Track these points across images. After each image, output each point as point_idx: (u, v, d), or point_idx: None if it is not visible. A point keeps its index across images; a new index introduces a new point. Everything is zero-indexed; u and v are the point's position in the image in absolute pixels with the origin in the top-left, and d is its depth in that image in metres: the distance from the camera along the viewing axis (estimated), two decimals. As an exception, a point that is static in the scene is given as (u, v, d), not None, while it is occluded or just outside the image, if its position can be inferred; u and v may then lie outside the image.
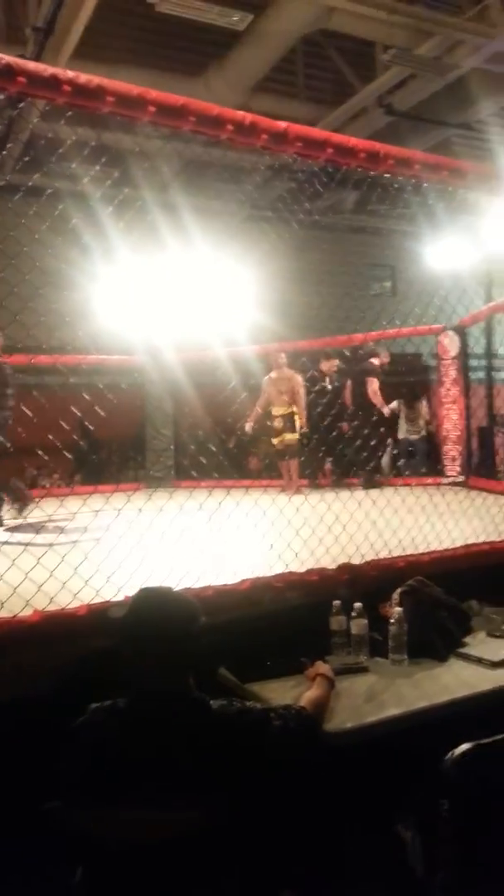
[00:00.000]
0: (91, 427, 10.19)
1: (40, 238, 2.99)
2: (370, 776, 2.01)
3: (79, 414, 4.18)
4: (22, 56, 2.81)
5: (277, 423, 7.03)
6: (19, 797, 1.82)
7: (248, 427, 7.32)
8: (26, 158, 9.02)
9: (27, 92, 2.34)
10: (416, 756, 2.04)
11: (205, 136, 2.63)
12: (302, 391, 7.04)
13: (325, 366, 7.38)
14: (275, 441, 7.15)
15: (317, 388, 7.16)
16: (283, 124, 2.65)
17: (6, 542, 3.23)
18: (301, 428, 6.99)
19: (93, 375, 5.80)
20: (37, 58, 7.51)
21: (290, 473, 6.95)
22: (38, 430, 4.52)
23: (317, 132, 2.74)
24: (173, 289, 7.25)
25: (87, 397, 3.75)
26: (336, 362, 7.46)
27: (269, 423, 7.16)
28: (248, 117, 2.59)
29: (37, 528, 4.28)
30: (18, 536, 4.23)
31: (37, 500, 5.02)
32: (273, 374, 7.21)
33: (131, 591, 1.93)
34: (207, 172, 11.06)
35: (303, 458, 7.10)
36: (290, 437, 6.99)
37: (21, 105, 8.39)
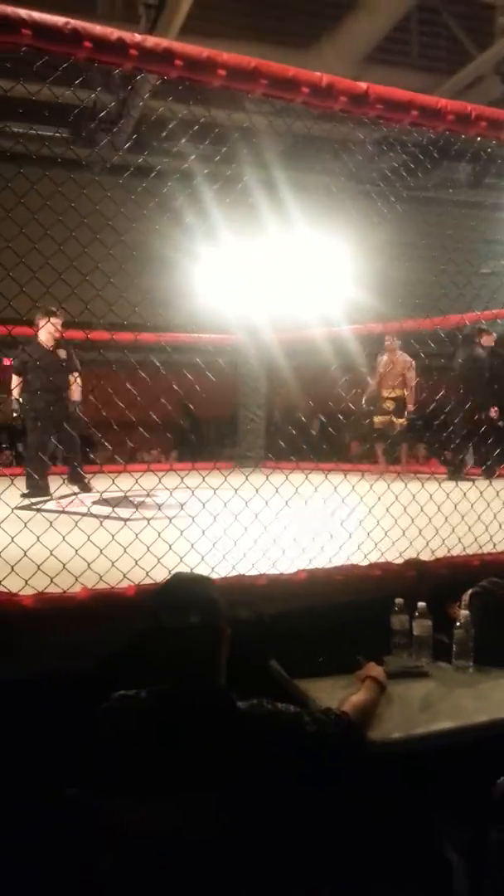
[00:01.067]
0: (191, 405, 10.34)
1: (146, 217, 2.98)
2: (415, 792, 1.87)
3: (181, 392, 4.18)
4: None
5: (388, 405, 6.90)
6: (55, 777, 1.81)
7: (364, 402, 7.16)
8: (134, 137, 9.21)
9: (140, 67, 2.31)
10: (468, 776, 1.88)
11: (277, 99, 2.49)
12: (413, 374, 6.84)
13: (486, 339, 7.06)
14: (377, 420, 7.04)
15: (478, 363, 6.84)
16: (363, 85, 2.47)
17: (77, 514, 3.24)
18: (409, 413, 6.83)
19: (190, 353, 5.82)
20: (149, 34, 7.56)
21: (401, 457, 6.82)
22: (139, 407, 4.58)
23: (400, 93, 2.53)
24: (273, 267, 7.15)
25: (189, 376, 3.72)
26: (494, 336, 7.13)
27: (379, 405, 7.02)
28: (324, 78, 2.42)
29: (112, 502, 4.33)
30: (93, 509, 4.27)
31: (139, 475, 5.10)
32: (385, 357, 7.04)
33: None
34: (312, 148, 10.82)
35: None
36: (399, 420, 6.86)
37: (134, 80, 8.51)
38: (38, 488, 5.07)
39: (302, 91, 2.44)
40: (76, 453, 5.47)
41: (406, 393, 6.95)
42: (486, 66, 8.75)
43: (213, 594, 1.71)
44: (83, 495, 4.52)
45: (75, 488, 5.24)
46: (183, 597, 1.68)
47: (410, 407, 6.89)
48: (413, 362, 6.96)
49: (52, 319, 5.24)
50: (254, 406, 7.87)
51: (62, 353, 5.29)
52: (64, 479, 5.10)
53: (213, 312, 7.11)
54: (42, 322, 5.22)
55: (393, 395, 7.00)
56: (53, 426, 4.81)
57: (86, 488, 5.22)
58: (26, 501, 4.69)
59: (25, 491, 5.02)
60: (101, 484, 4.84)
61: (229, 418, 9.03)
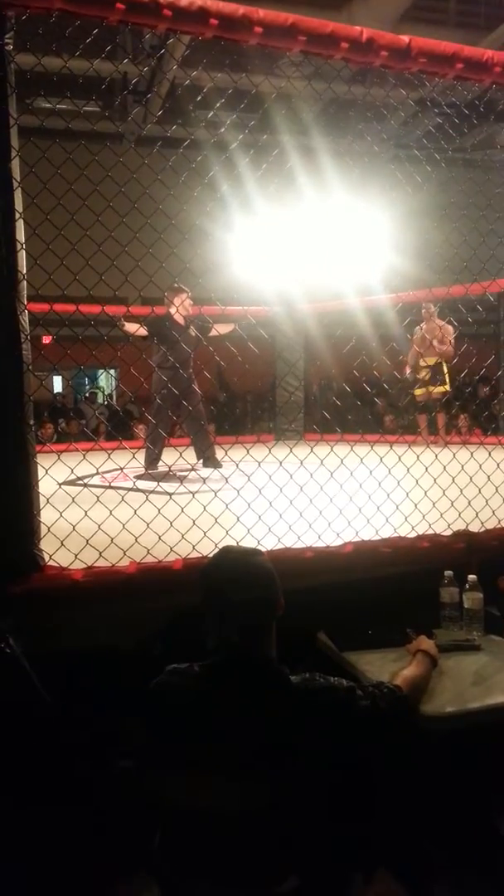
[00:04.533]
0: (227, 376, 10.30)
1: (183, 185, 2.94)
2: (469, 767, 1.83)
3: (222, 364, 4.15)
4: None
5: (424, 374, 6.77)
6: (105, 752, 1.82)
7: (408, 373, 7.04)
8: (165, 106, 9.09)
9: (175, 27, 2.25)
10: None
11: (317, 55, 2.39)
12: (450, 340, 6.69)
13: None
14: (417, 392, 6.92)
15: None
16: (405, 38, 2.36)
17: (124, 488, 3.25)
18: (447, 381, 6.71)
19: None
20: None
21: (437, 427, 6.70)
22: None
23: (444, 45, 2.42)
24: (310, 236, 7.01)
25: (231, 348, 3.67)
26: None
27: (416, 375, 6.90)
28: (364, 33, 2.32)
29: (159, 477, 4.33)
30: (141, 483, 4.29)
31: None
32: (423, 325, 6.91)
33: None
34: (349, 112, 10.56)
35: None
36: (438, 389, 6.72)
37: (163, 50, 8.33)
38: (151, 460, 5.14)
39: (341, 46, 2.35)
40: (202, 428, 5.47)
41: (443, 361, 6.80)
42: (526, 20, 8.41)
43: (268, 566, 1.69)
44: (128, 469, 4.52)
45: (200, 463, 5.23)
46: (240, 570, 1.65)
47: (449, 374, 6.75)
48: (451, 329, 6.79)
49: (181, 295, 5.23)
50: (292, 378, 7.79)
51: (192, 329, 5.30)
52: (134, 454, 5.13)
53: (250, 284, 7.01)
54: (174, 298, 5.21)
55: (429, 363, 6.86)
56: (181, 399, 4.81)
57: (214, 463, 5.19)
58: (142, 472, 4.83)
59: (145, 463, 5.13)
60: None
61: (267, 391, 8.97)
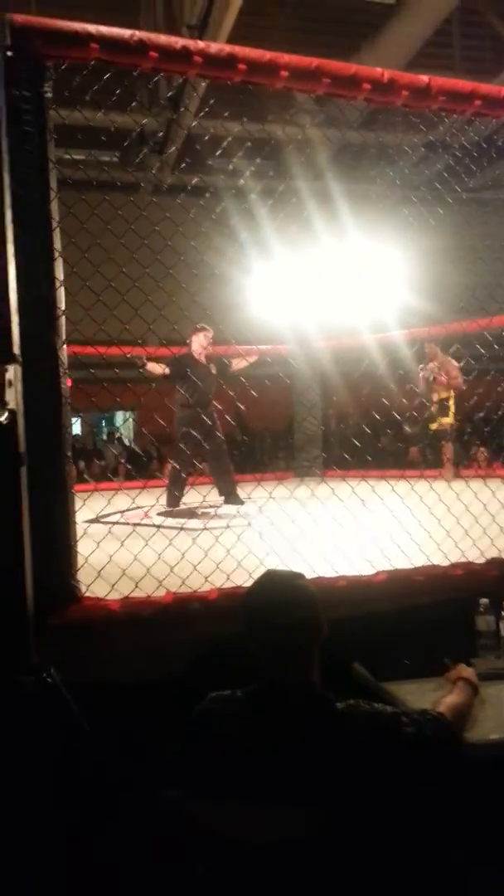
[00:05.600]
0: (245, 416, 10.36)
1: (202, 234, 3.03)
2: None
3: (241, 406, 4.20)
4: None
5: (434, 409, 6.88)
6: (145, 783, 1.80)
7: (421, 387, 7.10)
8: (185, 161, 9.36)
9: (205, 73, 2.35)
10: None
11: (342, 98, 2.49)
12: (456, 374, 6.78)
13: None
14: (432, 426, 7.01)
15: None
16: (424, 78, 2.45)
17: (153, 525, 3.27)
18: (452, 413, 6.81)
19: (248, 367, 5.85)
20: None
21: (445, 458, 6.75)
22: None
23: (462, 83, 2.51)
24: (325, 277, 7.14)
25: (249, 388, 3.73)
26: None
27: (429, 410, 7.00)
28: (386, 73, 2.41)
29: (188, 513, 4.35)
30: (169, 521, 4.30)
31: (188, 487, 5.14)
32: (432, 365, 7.02)
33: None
34: (361, 156, 10.82)
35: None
36: (445, 420, 6.82)
37: (181, 109, 8.62)
38: (173, 499, 5.16)
39: (363, 88, 2.44)
40: (225, 465, 5.50)
41: (451, 395, 6.95)
42: (532, 64, 8.62)
43: (312, 589, 1.69)
44: (148, 508, 4.55)
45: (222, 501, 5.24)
46: (285, 593, 1.66)
47: (453, 407, 6.87)
48: (457, 364, 6.89)
49: (205, 333, 5.34)
50: (309, 415, 7.84)
51: (212, 368, 5.37)
52: (158, 497, 5.15)
53: (268, 324, 7.13)
54: (195, 336, 5.32)
55: (437, 397, 7.00)
56: (203, 438, 4.86)
57: (236, 500, 5.22)
58: (165, 511, 4.84)
59: (166, 505, 5.13)
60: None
61: (284, 430, 9.02)
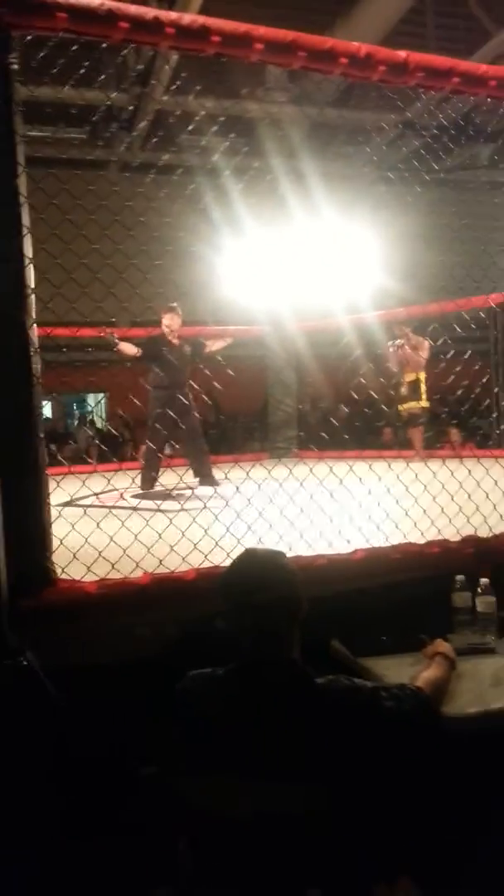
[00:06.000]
0: (220, 397, 10.33)
1: (172, 212, 2.99)
2: (493, 768, 1.82)
3: (218, 386, 4.17)
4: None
5: (403, 391, 6.87)
6: (124, 762, 1.80)
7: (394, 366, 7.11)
8: (156, 136, 9.22)
9: (177, 45, 2.29)
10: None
11: (318, 72, 2.45)
12: (426, 355, 6.78)
13: None
14: (402, 408, 7.00)
15: None
16: (402, 53, 2.42)
17: (129, 507, 3.25)
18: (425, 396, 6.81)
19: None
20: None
21: (415, 442, 6.77)
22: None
23: (441, 60, 2.48)
24: (299, 256, 7.10)
25: (225, 367, 3.70)
26: None
27: (397, 391, 6.99)
28: (363, 48, 2.38)
29: (163, 495, 4.32)
30: (144, 503, 4.28)
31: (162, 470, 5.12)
32: (399, 342, 7.00)
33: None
34: (334, 136, 10.74)
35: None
36: (414, 405, 6.81)
37: (152, 82, 8.46)
38: (147, 481, 5.12)
39: (340, 62, 2.40)
40: (200, 446, 5.45)
41: (421, 376, 6.92)
42: (505, 44, 8.60)
43: (291, 567, 1.69)
44: (126, 492, 4.52)
45: (197, 482, 5.20)
46: (264, 571, 1.65)
47: (426, 390, 6.88)
48: (427, 343, 6.90)
49: (175, 314, 5.25)
50: (285, 397, 7.83)
51: (186, 349, 5.30)
52: (133, 479, 5.11)
53: (240, 304, 7.08)
54: (168, 317, 5.23)
55: (408, 379, 6.97)
56: (177, 419, 4.81)
57: (212, 481, 5.15)
58: (140, 493, 4.82)
59: (141, 483, 5.11)
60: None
61: (258, 411, 9.00)
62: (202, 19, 2.26)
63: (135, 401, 4.54)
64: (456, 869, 1.90)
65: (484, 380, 6.12)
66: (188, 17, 2.25)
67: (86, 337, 5.79)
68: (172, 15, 2.23)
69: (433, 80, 2.49)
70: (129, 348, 5.22)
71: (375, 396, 6.63)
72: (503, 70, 2.56)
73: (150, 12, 2.21)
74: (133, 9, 2.19)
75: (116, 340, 5.18)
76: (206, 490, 4.55)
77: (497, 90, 2.54)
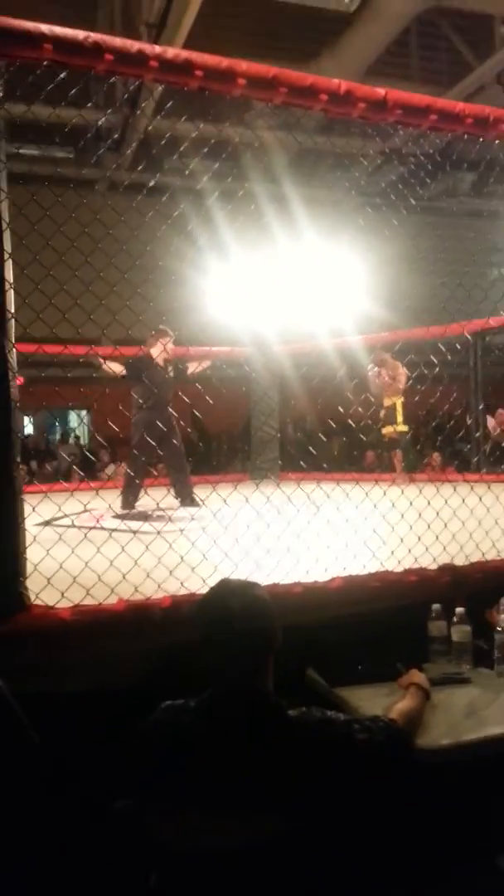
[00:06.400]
0: (202, 420, 10.34)
1: (158, 237, 3.01)
2: (467, 799, 1.82)
3: (196, 406, 4.17)
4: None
5: (382, 415, 6.96)
6: (97, 792, 1.77)
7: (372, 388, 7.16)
8: (144, 159, 9.30)
9: (161, 78, 2.32)
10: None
11: (299, 107, 2.50)
12: (404, 381, 6.87)
13: None
14: (384, 431, 7.09)
15: None
16: (381, 91, 2.47)
17: (106, 529, 3.23)
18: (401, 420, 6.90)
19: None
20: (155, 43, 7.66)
21: (397, 465, 6.85)
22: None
23: (418, 97, 2.54)
24: (282, 280, 7.17)
25: (204, 391, 3.70)
26: None
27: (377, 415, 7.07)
28: (343, 85, 2.42)
29: (141, 516, 4.30)
30: (123, 525, 4.25)
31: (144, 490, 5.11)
32: (377, 369, 7.09)
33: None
34: (319, 162, 10.89)
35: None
36: (391, 429, 6.92)
37: (141, 105, 8.53)
38: (128, 502, 5.13)
39: (320, 98, 2.45)
40: (182, 468, 5.46)
41: (398, 401, 7.02)
42: (487, 76, 8.82)
43: (266, 598, 1.69)
44: (101, 512, 4.49)
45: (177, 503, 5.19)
46: (239, 602, 1.65)
47: (401, 414, 6.97)
48: (404, 371, 6.99)
49: (165, 338, 5.30)
50: (267, 418, 7.86)
51: (171, 372, 5.34)
52: (119, 496, 5.07)
53: (225, 326, 7.13)
54: (154, 341, 5.26)
55: (387, 403, 7.07)
56: (160, 441, 4.81)
57: (192, 503, 5.16)
58: (124, 511, 4.85)
59: (124, 501, 5.13)
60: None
61: (241, 432, 9.01)
62: (186, 54, 2.29)
63: (114, 422, 4.54)
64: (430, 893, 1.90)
65: (462, 405, 6.20)
66: (172, 52, 2.28)
67: (67, 356, 5.82)
68: (157, 49, 2.27)
69: (411, 117, 2.54)
70: (114, 367, 5.25)
71: (352, 422, 6.70)
72: (479, 108, 2.62)
73: (134, 45, 2.24)
74: (118, 41, 2.22)
75: (102, 360, 5.21)
76: (185, 512, 4.54)
77: (473, 127, 2.60)
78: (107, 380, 5.65)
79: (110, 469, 8.75)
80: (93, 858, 1.62)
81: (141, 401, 5.14)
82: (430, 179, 9.18)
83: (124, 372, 5.24)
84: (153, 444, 4.77)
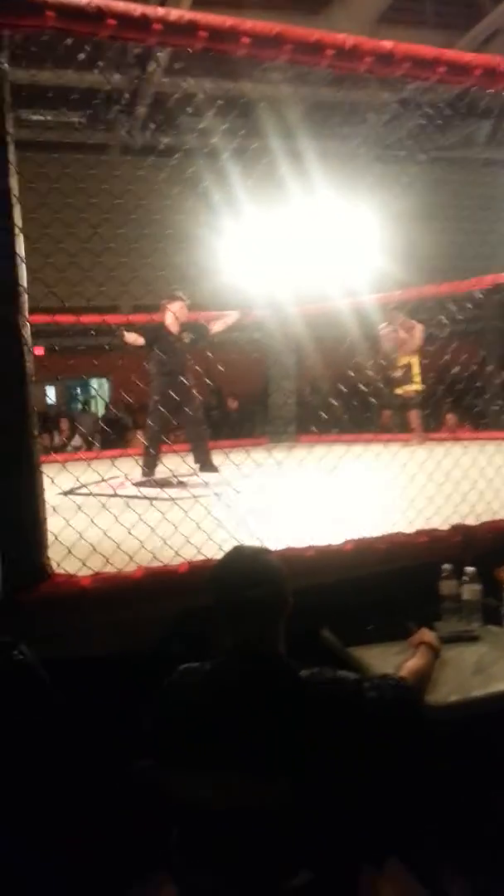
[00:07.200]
0: (218, 382, 10.34)
1: (169, 199, 3.01)
2: (474, 754, 1.88)
3: (221, 369, 4.19)
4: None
5: (397, 374, 6.89)
6: (120, 754, 1.85)
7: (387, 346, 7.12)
8: (155, 120, 9.14)
9: (165, 41, 2.31)
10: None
11: (304, 64, 2.46)
12: (419, 339, 6.79)
13: None
14: (398, 391, 7.04)
15: None
16: (388, 44, 2.42)
17: (124, 496, 3.30)
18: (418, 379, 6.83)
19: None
20: (161, 5, 7.47)
21: (412, 424, 6.81)
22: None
23: (426, 50, 2.48)
24: (298, 239, 7.09)
25: (224, 352, 3.71)
26: None
27: (392, 374, 7.01)
28: (349, 40, 2.38)
29: (159, 484, 4.37)
30: (143, 490, 4.32)
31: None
32: (391, 326, 7.02)
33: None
34: (333, 115, 10.63)
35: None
36: (408, 388, 6.85)
37: (150, 64, 8.36)
38: (149, 466, 5.16)
39: (327, 54, 2.41)
40: (201, 434, 5.46)
41: (414, 359, 6.95)
42: (501, 21, 8.50)
43: (278, 564, 1.74)
44: (120, 480, 4.56)
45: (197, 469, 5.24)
46: (251, 568, 1.69)
47: (418, 372, 6.90)
48: (419, 327, 6.89)
49: (179, 303, 5.25)
50: (284, 380, 7.85)
51: (185, 337, 5.31)
52: (137, 461, 5.13)
53: (239, 288, 7.08)
54: (169, 305, 5.23)
55: (402, 362, 7.00)
56: (176, 409, 4.85)
57: (212, 468, 5.12)
58: (143, 479, 4.88)
59: (144, 468, 5.17)
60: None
61: (258, 394, 9.02)
62: (189, 15, 2.26)
63: (135, 385, 4.56)
64: (440, 850, 1.97)
65: (478, 359, 6.14)
66: (175, 13, 2.25)
67: (89, 323, 5.85)
68: (160, 11, 2.24)
69: (419, 70, 2.49)
70: (134, 339, 5.25)
71: (369, 380, 6.67)
72: (488, 59, 2.56)
73: (137, 9, 2.21)
74: (121, 6, 2.20)
75: (122, 331, 5.21)
76: (204, 477, 4.60)
77: (482, 79, 2.54)
78: (124, 348, 5.67)
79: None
80: (113, 816, 1.70)
81: (158, 366, 5.16)
82: (446, 129, 8.93)
83: (142, 341, 5.24)
84: (167, 413, 4.80)
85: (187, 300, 5.33)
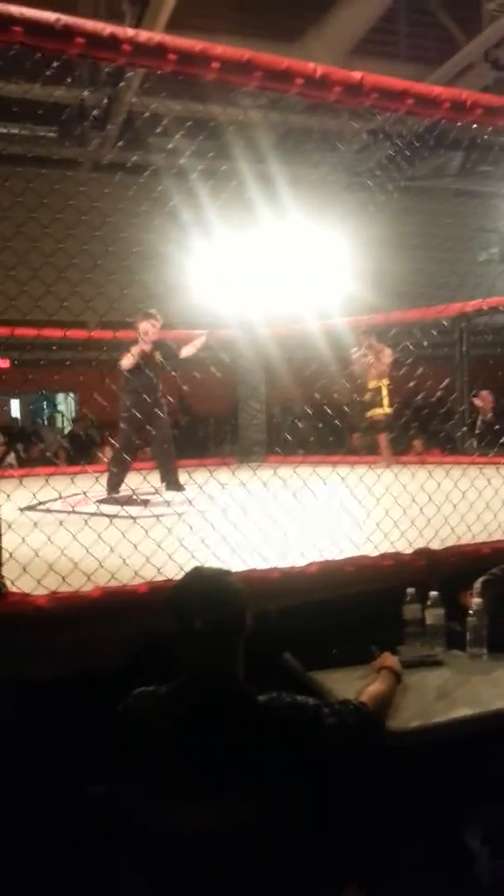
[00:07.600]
0: (189, 400, 10.34)
1: (143, 213, 2.99)
2: (436, 780, 1.86)
3: (184, 388, 4.16)
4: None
5: (367, 397, 6.95)
6: (74, 777, 1.80)
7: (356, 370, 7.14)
8: (124, 138, 9.18)
9: (133, 62, 2.31)
10: (490, 762, 1.88)
11: (273, 91, 2.48)
12: (389, 363, 6.86)
13: None
14: (367, 414, 7.09)
15: None
16: (357, 74, 2.45)
17: (83, 513, 3.25)
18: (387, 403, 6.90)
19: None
20: (135, 26, 7.53)
21: (380, 447, 6.86)
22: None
23: (395, 82, 2.52)
24: (268, 261, 7.14)
25: (194, 372, 3.70)
26: None
27: (361, 397, 7.06)
28: (319, 69, 2.40)
29: (122, 501, 4.32)
30: (105, 508, 4.26)
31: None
32: (362, 350, 7.09)
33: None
34: (306, 142, 10.79)
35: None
36: (377, 411, 6.91)
37: (122, 83, 8.41)
38: (113, 484, 5.11)
39: (296, 82, 2.42)
40: (169, 453, 5.45)
41: (383, 383, 6.99)
42: (475, 54, 8.72)
43: (237, 586, 1.71)
44: (91, 494, 4.50)
45: (163, 487, 5.18)
46: (212, 589, 1.67)
47: (389, 397, 6.95)
48: (389, 351, 6.97)
49: (152, 321, 5.24)
50: (253, 401, 7.86)
51: (158, 357, 5.30)
52: (97, 479, 5.08)
53: (210, 308, 7.10)
54: (140, 324, 5.22)
55: (371, 386, 7.05)
56: (145, 425, 4.80)
57: (178, 487, 5.13)
58: (105, 496, 4.81)
59: (107, 486, 5.10)
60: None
61: (228, 414, 9.01)
62: (159, 37, 2.27)
63: (102, 402, 4.52)
64: (400, 876, 1.94)
65: (443, 384, 6.20)
66: (145, 35, 2.26)
67: (53, 337, 5.79)
68: (129, 32, 2.24)
69: (388, 101, 2.53)
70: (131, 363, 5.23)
71: (338, 402, 6.70)
72: (457, 92, 2.61)
73: (106, 28, 2.21)
74: (90, 25, 2.20)
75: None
76: (169, 495, 4.55)
77: (450, 112, 2.58)
78: (88, 361, 5.63)
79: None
80: (66, 839, 1.65)
81: (130, 384, 5.14)
82: (416, 159, 9.11)
83: (131, 367, 5.21)
84: (140, 426, 4.76)
85: (160, 319, 5.32)
